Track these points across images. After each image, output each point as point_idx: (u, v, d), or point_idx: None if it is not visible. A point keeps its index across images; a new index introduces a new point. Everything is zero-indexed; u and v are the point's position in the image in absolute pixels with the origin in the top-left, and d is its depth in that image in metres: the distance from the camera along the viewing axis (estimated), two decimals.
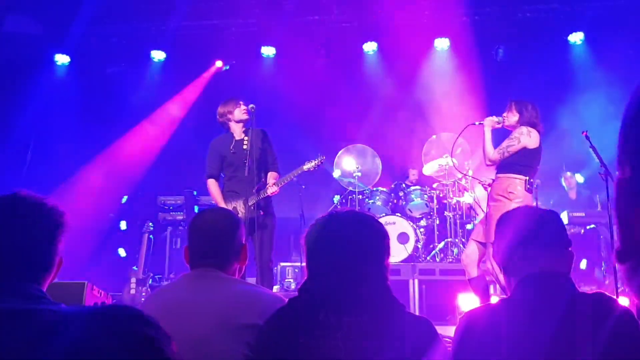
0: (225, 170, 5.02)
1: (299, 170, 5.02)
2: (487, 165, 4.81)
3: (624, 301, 4.37)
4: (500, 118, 4.83)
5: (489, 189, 4.75)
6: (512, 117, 4.76)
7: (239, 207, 4.84)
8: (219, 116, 5.11)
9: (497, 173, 4.72)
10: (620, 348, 1.56)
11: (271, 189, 4.86)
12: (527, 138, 4.59)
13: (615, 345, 1.54)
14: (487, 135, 4.79)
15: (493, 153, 4.68)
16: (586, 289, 6.76)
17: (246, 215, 4.77)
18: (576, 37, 8.20)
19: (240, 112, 5.02)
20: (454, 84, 8.54)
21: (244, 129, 5.05)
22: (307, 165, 5.00)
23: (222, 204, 4.89)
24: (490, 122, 4.83)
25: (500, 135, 4.95)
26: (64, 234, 1.46)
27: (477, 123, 4.90)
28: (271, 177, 5.02)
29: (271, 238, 4.92)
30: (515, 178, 4.56)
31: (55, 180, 7.47)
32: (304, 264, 1.87)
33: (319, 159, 5.02)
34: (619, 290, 4.71)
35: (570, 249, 1.81)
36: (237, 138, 5.02)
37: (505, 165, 4.62)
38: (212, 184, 5.03)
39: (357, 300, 1.69)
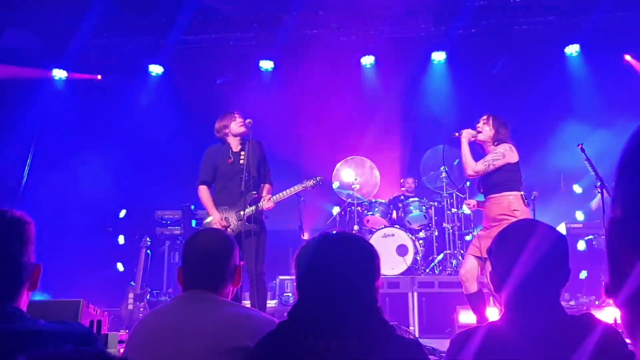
0: (217, 180, 5.01)
1: (296, 188, 5.03)
2: (469, 176, 4.81)
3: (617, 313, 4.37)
4: (475, 132, 4.82)
5: (471, 209, 4.76)
6: (487, 132, 4.74)
7: (231, 218, 4.83)
8: (216, 132, 5.10)
9: (489, 194, 4.68)
10: None
11: (267, 204, 4.86)
12: (511, 153, 4.62)
13: None
14: (465, 147, 4.80)
15: (476, 164, 4.68)
16: (584, 299, 6.75)
17: (237, 227, 4.77)
18: (572, 49, 8.23)
19: (236, 125, 5.01)
20: (451, 97, 8.58)
21: (241, 141, 5.06)
22: (305, 184, 5.02)
23: (213, 211, 4.90)
24: (467, 134, 4.84)
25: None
26: (30, 244, 1.43)
27: (456, 134, 4.92)
28: (264, 189, 5.02)
29: (263, 250, 4.91)
30: (513, 195, 4.56)
31: (53, 195, 7.48)
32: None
33: (317, 179, 5.05)
34: None
35: (567, 276, 1.79)
36: (234, 150, 5.00)
37: (497, 185, 4.61)
38: (204, 190, 5.02)
39: (347, 324, 1.69)
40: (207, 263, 2.05)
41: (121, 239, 7.89)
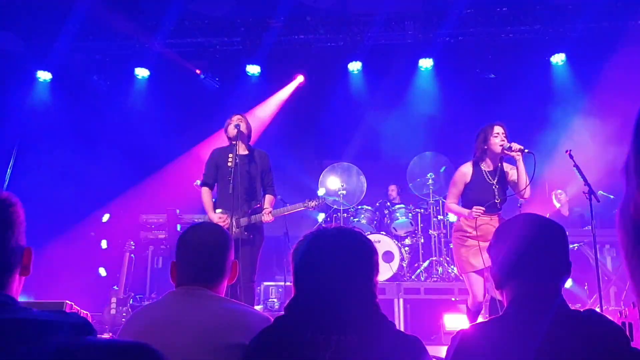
0: (218, 182, 5.01)
1: (297, 207, 5.11)
2: (527, 197, 4.63)
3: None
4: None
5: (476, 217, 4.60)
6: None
7: (230, 225, 4.79)
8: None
9: (500, 211, 4.65)
10: None
11: (266, 217, 4.86)
12: None
13: None
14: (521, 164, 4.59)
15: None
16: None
17: (234, 234, 4.73)
18: (558, 58, 8.33)
19: (231, 129, 5.00)
20: (438, 104, 8.62)
21: (247, 147, 5.05)
22: (307, 204, 5.08)
23: (211, 214, 4.90)
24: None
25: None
26: (17, 227, 1.34)
27: (526, 150, 4.52)
28: (267, 201, 5.02)
29: (255, 257, 4.87)
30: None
31: (35, 198, 7.34)
32: (288, 283, 1.83)
33: (320, 201, 5.13)
34: (603, 309, 4.73)
35: (569, 269, 1.76)
36: (238, 153, 4.94)
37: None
38: (204, 192, 5.03)
39: (345, 319, 1.66)
40: (203, 258, 1.99)
41: (104, 244, 7.76)
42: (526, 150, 4.51)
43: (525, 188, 4.53)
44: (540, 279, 1.70)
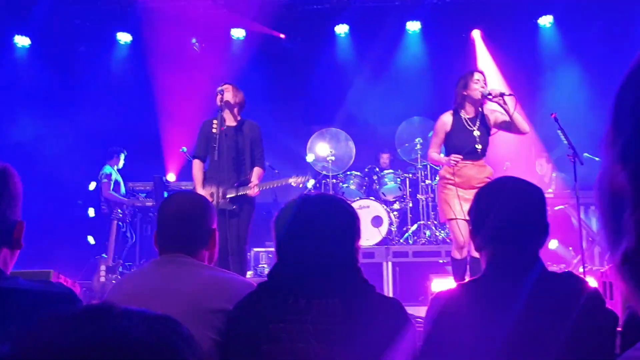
0: (209, 153, 4.98)
1: (283, 182, 5.12)
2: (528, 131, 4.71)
3: (591, 280, 4.47)
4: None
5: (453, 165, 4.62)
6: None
7: (216, 195, 4.79)
8: None
9: (482, 157, 4.66)
10: (588, 327, 1.57)
11: (252, 191, 4.83)
12: None
13: (583, 323, 1.56)
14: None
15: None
16: (555, 268, 6.89)
17: (220, 205, 4.73)
18: (546, 20, 8.26)
19: (218, 98, 4.95)
20: (426, 67, 8.55)
21: (236, 117, 4.99)
22: (292, 180, 5.07)
23: (198, 187, 4.89)
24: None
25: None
26: (8, 198, 1.33)
27: (507, 94, 4.59)
28: (255, 174, 4.96)
29: (245, 228, 4.88)
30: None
31: (20, 166, 7.27)
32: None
33: (307, 178, 5.15)
34: (586, 269, 4.82)
35: (547, 230, 1.78)
36: (220, 120, 4.89)
37: (486, 149, 4.67)
38: (195, 165, 5.02)
39: (327, 284, 1.68)
40: (181, 226, 2.00)
41: (91, 212, 7.73)
42: (507, 94, 4.58)
43: (521, 123, 4.58)
44: (519, 241, 1.72)
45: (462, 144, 4.58)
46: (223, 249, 4.38)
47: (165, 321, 0.59)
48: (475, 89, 4.58)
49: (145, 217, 7.66)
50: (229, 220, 4.64)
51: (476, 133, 4.60)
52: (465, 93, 4.63)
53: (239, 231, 4.80)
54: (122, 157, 7.72)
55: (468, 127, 4.63)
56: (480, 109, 4.69)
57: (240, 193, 4.82)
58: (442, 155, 4.75)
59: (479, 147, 4.58)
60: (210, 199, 4.70)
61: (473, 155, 4.59)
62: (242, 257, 4.79)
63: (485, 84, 4.63)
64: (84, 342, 0.54)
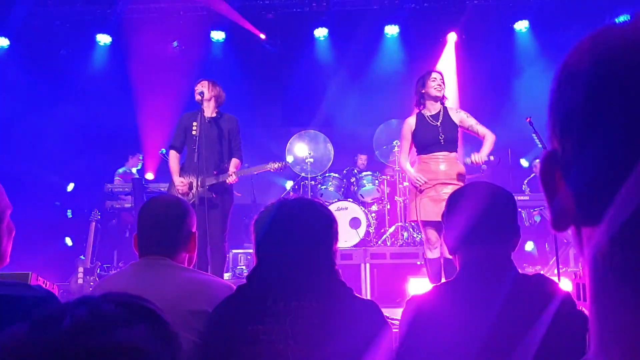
0: (186, 146, 5.04)
1: (260, 168, 5.18)
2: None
3: (565, 282, 4.56)
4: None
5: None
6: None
7: (195, 184, 4.84)
8: None
9: (450, 150, 4.73)
10: (560, 329, 1.62)
11: (230, 178, 4.89)
12: None
13: (555, 326, 1.60)
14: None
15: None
16: (530, 270, 7.01)
17: (199, 194, 4.76)
18: (522, 25, 8.40)
19: (196, 96, 5.01)
20: (404, 70, 8.64)
21: (216, 112, 5.07)
22: (270, 166, 5.12)
23: (175, 177, 4.95)
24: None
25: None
26: None
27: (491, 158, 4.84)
28: (233, 164, 5.04)
29: (224, 217, 4.93)
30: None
31: None
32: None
33: (283, 164, 5.17)
34: (560, 271, 4.91)
35: (518, 233, 1.84)
36: (199, 121, 4.91)
37: (455, 143, 4.76)
38: (172, 156, 5.07)
39: (306, 286, 1.72)
40: (160, 229, 2.03)
41: (69, 213, 7.67)
42: (491, 158, 4.78)
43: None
44: (490, 244, 1.77)
45: (426, 139, 4.73)
46: (202, 240, 4.44)
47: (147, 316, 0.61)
48: (432, 86, 4.76)
49: (124, 219, 7.61)
50: (209, 211, 4.67)
51: (439, 127, 4.73)
52: (423, 91, 4.81)
53: (220, 221, 4.85)
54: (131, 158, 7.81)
55: (431, 122, 4.78)
56: (441, 106, 4.85)
57: (220, 180, 4.88)
58: (411, 169, 4.87)
59: (441, 137, 4.69)
60: (186, 190, 4.76)
61: (437, 146, 4.72)
62: (221, 248, 4.83)
63: (442, 82, 4.80)
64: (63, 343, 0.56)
